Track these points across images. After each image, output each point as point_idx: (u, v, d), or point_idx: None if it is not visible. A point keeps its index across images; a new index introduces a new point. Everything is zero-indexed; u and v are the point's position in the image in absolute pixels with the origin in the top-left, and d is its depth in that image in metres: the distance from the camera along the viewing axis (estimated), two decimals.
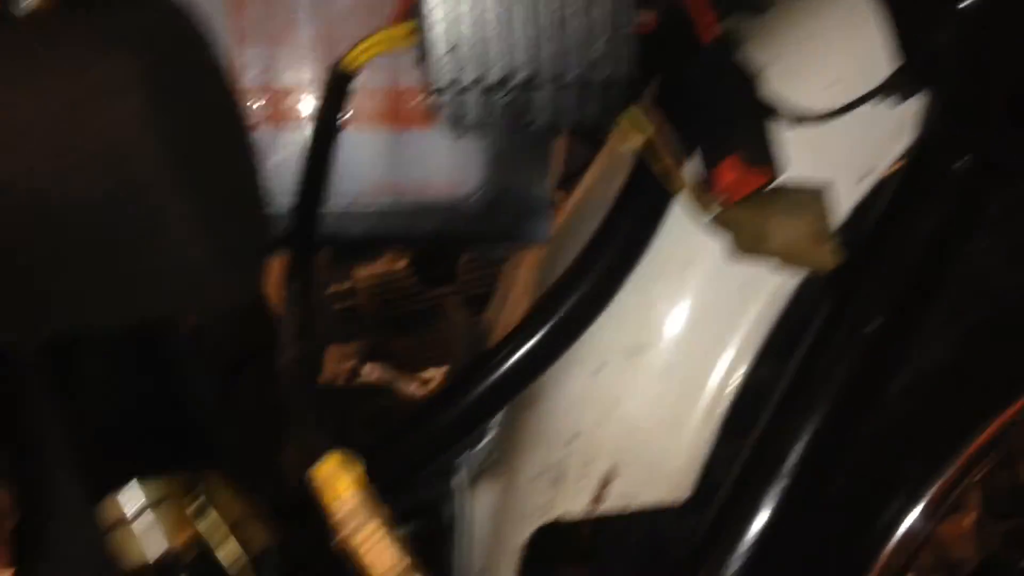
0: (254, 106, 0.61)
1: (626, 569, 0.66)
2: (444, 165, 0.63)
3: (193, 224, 0.48)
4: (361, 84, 0.58)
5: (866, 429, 0.56)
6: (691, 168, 0.58)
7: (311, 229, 0.58)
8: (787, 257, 0.55)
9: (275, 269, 0.61)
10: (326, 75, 0.58)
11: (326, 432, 0.51)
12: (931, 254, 0.56)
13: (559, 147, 0.67)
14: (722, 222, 0.56)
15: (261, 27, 0.60)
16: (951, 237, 0.56)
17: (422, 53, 0.54)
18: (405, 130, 0.62)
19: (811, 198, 0.54)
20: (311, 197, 0.58)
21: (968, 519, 0.88)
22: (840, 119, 0.57)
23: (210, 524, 0.57)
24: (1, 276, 0.47)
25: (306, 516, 0.60)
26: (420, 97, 0.60)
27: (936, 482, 0.63)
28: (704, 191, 0.56)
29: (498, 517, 0.68)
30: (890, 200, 0.57)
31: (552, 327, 0.62)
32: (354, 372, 1.07)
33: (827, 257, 0.54)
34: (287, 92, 0.61)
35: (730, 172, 0.53)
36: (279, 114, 0.61)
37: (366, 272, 1.14)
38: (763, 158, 0.53)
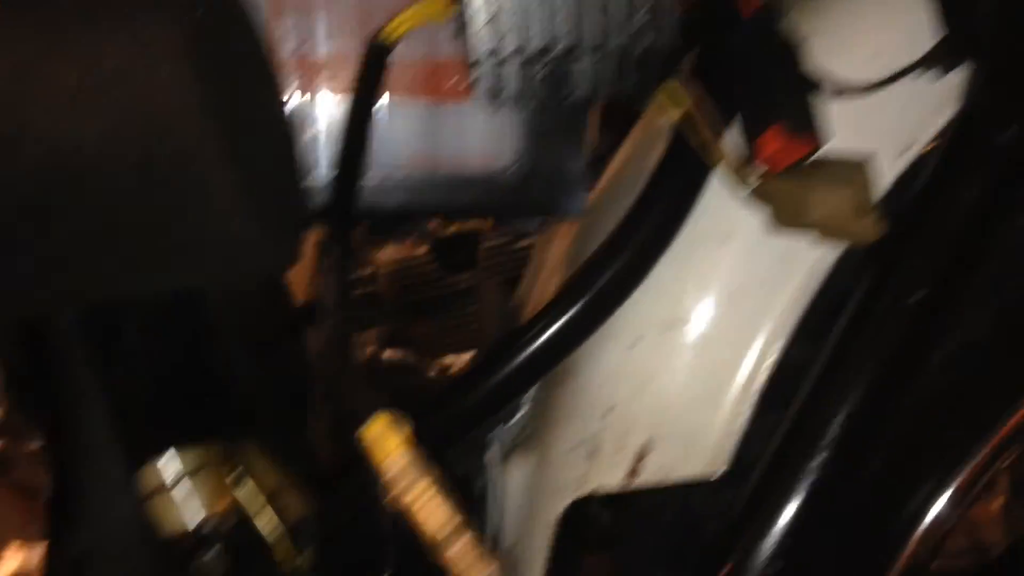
0: (291, 78, 0.61)
1: (658, 545, 0.66)
2: (480, 138, 0.62)
3: (236, 192, 0.48)
4: (398, 56, 0.58)
5: (906, 403, 0.56)
6: (729, 141, 0.57)
7: (349, 201, 0.58)
8: (828, 229, 0.55)
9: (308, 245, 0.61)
10: (363, 47, 0.58)
11: (373, 394, 0.52)
12: (974, 227, 0.55)
13: (593, 121, 0.66)
14: (761, 194, 0.56)
15: None
16: (994, 210, 0.55)
17: (461, 24, 0.53)
18: (442, 103, 0.62)
19: (853, 169, 0.54)
20: (349, 169, 0.58)
21: (996, 503, 0.88)
22: (882, 92, 0.57)
23: (248, 493, 0.58)
24: (47, 243, 0.48)
25: (340, 486, 0.60)
26: (458, 70, 0.60)
27: (970, 460, 0.63)
28: (744, 163, 0.56)
29: (531, 491, 0.68)
30: (933, 172, 0.56)
31: (587, 302, 0.61)
32: (374, 358, 1.07)
33: (869, 229, 0.54)
34: (324, 64, 0.61)
35: (774, 141, 0.52)
36: (316, 86, 0.61)
37: (386, 257, 1.15)
38: (807, 127, 0.53)
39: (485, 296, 0.98)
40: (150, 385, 0.59)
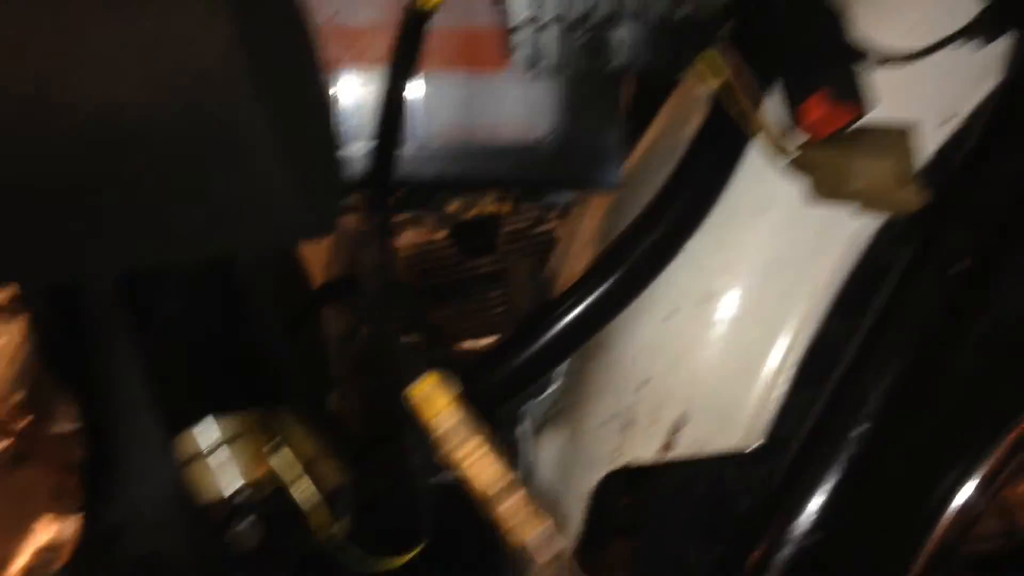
0: (328, 46, 0.61)
1: (690, 518, 0.66)
2: (516, 109, 0.62)
3: (277, 157, 0.48)
4: (436, 25, 0.58)
5: (946, 375, 0.55)
6: (769, 111, 0.57)
7: (387, 169, 0.58)
8: (869, 199, 0.54)
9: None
10: (401, 15, 0.57)
11: (422, 355, 0.51)
12: (1017, 198, 0.55)
13: (628, 92, 0.66)
14: (802, 164, 0.56)
15: None
16: None
17: None
18: (479, 73, 0.61)
19: (896, 138, 0.53)
20: (387, 138, 0.58)
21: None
22: (923, 61, 0.56)
23: (284, 461, 0.58)
24: (89, 207, 0.48)
25: (378, 454, 0.60)
26: (495, 38, 0.59)
27: (1003, 440, 0.62)
28: (783, 133, 0.55)
29: (565, 464, 0.68)
30: (976, 142, 0.56)
31: (622, 274, 0.61)
32: None
33: (911, 199, 0.53)
34: (361, 32, 0.61)
35: (818, 108, 0.52)
36: (353, 55, 0.61)
37: (406, 242, 1.14)
38: (852, 94, 0.52)
39: (517, 278, 0.97)
40: (187, 352, 0.59)
